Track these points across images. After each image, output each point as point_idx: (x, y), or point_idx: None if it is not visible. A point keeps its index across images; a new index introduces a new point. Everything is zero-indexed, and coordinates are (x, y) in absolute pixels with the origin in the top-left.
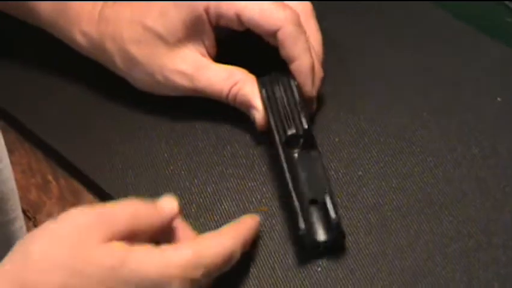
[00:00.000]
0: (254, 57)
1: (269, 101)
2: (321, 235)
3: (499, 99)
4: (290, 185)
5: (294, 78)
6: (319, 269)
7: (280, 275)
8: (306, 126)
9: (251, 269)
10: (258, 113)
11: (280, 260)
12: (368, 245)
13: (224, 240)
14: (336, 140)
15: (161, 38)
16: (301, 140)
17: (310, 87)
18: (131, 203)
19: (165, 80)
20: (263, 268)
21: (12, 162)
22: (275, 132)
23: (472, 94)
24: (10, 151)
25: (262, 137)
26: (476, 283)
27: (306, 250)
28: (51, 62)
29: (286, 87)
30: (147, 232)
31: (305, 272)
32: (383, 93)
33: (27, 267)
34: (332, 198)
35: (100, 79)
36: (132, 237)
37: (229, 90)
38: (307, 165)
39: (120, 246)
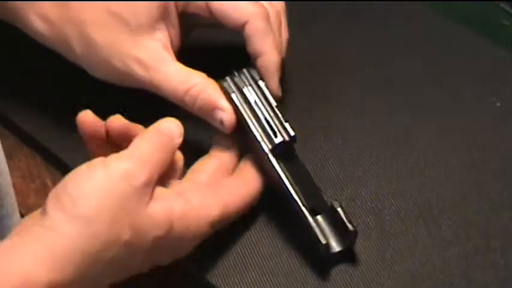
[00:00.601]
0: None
1: (243, 105)
2: (336, 246)
3: (498, 103)
4: (296, 197)
5: (262, 79)
6: (316, 274)
7: (276, 281)
8: (292, 133)
9: (248, 275)
10: (226, 113)
11: (276, 266)
12: (366, 249)
13: (249, 188)
14: (339, 141)
15: (125, 23)
16: (286, 148)
17: (277, 86)
18: (148, 138)
19: (123, 67)
20: (260, 274)
21: (11, 167)
22: (261, 140)
23: (471, 97)
24: (9, 156)
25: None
26: (474, 287)
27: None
28: (51, 66)
29: (256, 89)
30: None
31: (302, 277)
32: (383, 95)
33: (89, 228)
34: (342, 208)
35: (99, 84)
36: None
37: (186, 92)
38: (296, 174)
39: (165, 200)
